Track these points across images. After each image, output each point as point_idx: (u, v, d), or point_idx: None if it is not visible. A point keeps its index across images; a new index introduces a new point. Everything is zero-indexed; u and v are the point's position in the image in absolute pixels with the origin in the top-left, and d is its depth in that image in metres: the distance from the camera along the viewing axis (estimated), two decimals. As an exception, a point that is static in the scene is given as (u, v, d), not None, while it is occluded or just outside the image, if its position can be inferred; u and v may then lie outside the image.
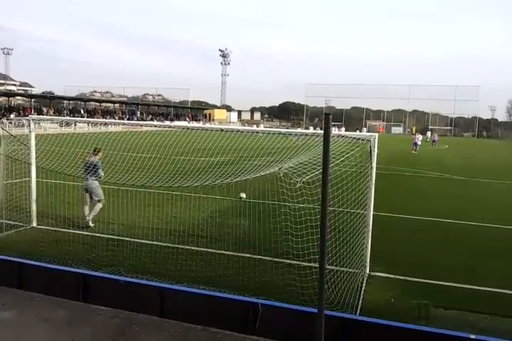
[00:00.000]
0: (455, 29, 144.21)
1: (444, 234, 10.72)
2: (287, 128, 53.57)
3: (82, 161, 10.03)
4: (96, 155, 10.14)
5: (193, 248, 8.50)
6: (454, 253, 9.26)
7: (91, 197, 10.12)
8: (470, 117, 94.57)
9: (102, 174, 9.97)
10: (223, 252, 8.34)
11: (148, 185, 11.35)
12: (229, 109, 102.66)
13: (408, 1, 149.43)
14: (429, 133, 54.29)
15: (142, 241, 8.85)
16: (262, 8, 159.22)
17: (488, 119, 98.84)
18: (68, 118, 26.89)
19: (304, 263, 6.91)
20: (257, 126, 58.43)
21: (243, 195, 12.95)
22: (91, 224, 9.86)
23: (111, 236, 8.93)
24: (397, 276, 7.68)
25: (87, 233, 9.31)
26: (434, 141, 47.61)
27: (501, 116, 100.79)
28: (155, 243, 8.70)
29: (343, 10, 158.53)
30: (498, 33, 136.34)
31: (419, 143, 39.38)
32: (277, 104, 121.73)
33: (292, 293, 6.12)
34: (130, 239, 8.87)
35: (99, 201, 10.08)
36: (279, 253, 8.10)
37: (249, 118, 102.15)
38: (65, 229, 9.51)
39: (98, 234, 9.21)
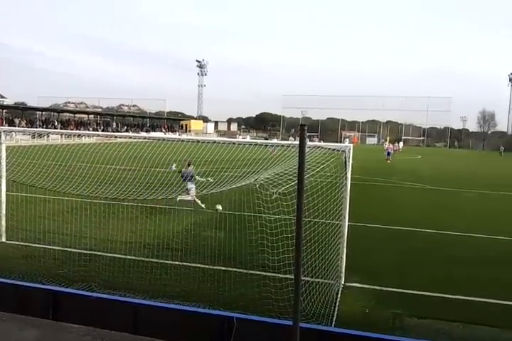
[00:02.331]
0: (430, 42, 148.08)
1: (417, 243, 10.87)
2: (265, 139, 53.86)
3: (180, 172, 13.40)
4: (189, 166, 13.40)
5: (167, 261, 8.38)
6: (427, 262, 9.39)
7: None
8: (442, 128, 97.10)
9: (198, 178, 13.28)
10: (198, 265, 8.25)
11: (122, 198, 11.22)
12: (206, 119, 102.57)
13: (385, 15, 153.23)
14: (401, 144, 55.80)
15: (115, 255, 8.68)
16: (239, 19, 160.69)
17: (459, 130, 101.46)
18: (41, 129, 26.40)
19: (279, 275, 6.89)
20: (243, 138, 58.52)
21: (219, 207, 12.90)
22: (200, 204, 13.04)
23: (83, 251, 8.74)
24: (371, 286, 7.73)
25: (58, 248, 9.08)
26: (395, 150, 48.67)
27: (472, 127, 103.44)
28: (128, 257, 8.54)
29: (319, 22, 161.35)
30: (470, 47, 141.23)
31: (391, 151, 40.85)
32: (254, 115, 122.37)
33: (268, 305, 6.08)
34: (103, 254, 8.70)
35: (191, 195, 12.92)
36: (254, 265, 8.06)
37: (226, 129, 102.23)
38: (36, 244, 9.26)
39: (70, 249, 8.99)
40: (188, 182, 12.92)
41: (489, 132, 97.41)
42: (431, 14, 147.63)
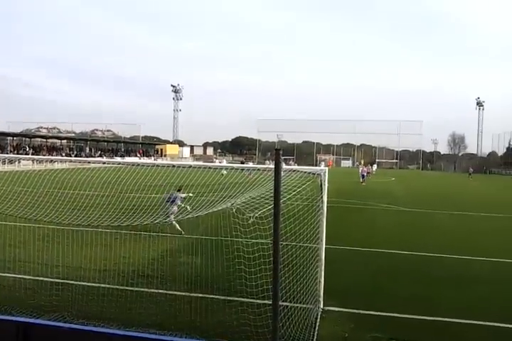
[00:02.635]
0: (400, 67, 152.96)
1: (393, 265, 10.94)
2: (242, 163, 53.99)
3: (167, 194, 13.79)
4: (179, 191, 13.74)
5: (142, 289, 8.19)
6: (404, 284, 9.44)
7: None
8: (414, 150, 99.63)
9: (179, 203, 13.46)
10: (175, 293, 8.06)
11: (95, 225, 11.00)
12: (181, 144, 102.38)
13: (356, 40, 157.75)
14: (374, 166, 56.74)
15: (88, 283, 8.44)
16: (214, 44, 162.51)
17: (431, 152, 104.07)
18: (11, 155, 25.83)
19: (257, 301, 6.80)
20: (220, 162, 58.59)
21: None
22: (178, 228, 13.03)
23: (55, 280, 8.46)
24: (350, 310, 7.69)
25: (29, 277, 8.77)
26: (368, 173, 49.18)
27: (443, 149, 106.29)
28: (102, 285, 8.31)
29: (290, 46, 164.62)
30: (439, 71, 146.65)
31: (365, 174, 41.73)
32: (230, 139, 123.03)
33: (246, 332, 5.98)
34: (75, 282, 8.45)
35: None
36: (232, 291, 7.94)
37: (202, 153, 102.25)
38: (6, 273, 8.92)
39: (41, 278, 8.69)
40: (171, 205, 13.25)
41: (460, 154, 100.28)
42: (399, 38, 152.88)
